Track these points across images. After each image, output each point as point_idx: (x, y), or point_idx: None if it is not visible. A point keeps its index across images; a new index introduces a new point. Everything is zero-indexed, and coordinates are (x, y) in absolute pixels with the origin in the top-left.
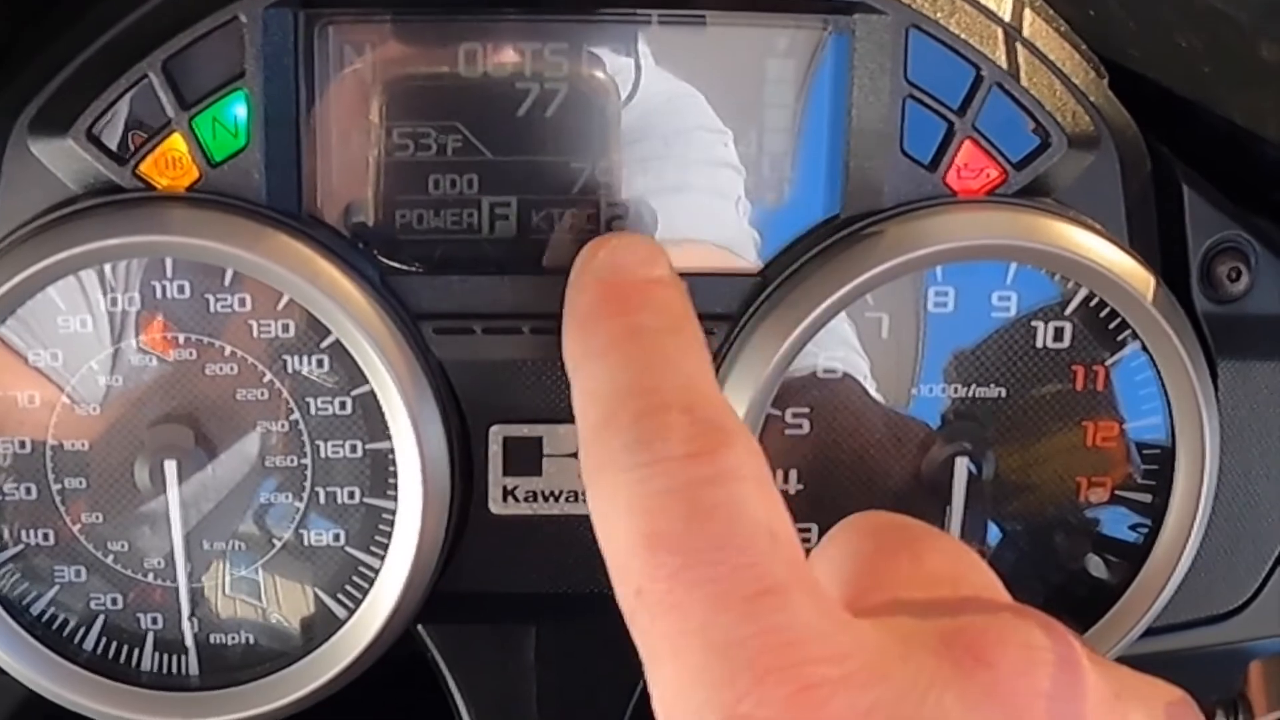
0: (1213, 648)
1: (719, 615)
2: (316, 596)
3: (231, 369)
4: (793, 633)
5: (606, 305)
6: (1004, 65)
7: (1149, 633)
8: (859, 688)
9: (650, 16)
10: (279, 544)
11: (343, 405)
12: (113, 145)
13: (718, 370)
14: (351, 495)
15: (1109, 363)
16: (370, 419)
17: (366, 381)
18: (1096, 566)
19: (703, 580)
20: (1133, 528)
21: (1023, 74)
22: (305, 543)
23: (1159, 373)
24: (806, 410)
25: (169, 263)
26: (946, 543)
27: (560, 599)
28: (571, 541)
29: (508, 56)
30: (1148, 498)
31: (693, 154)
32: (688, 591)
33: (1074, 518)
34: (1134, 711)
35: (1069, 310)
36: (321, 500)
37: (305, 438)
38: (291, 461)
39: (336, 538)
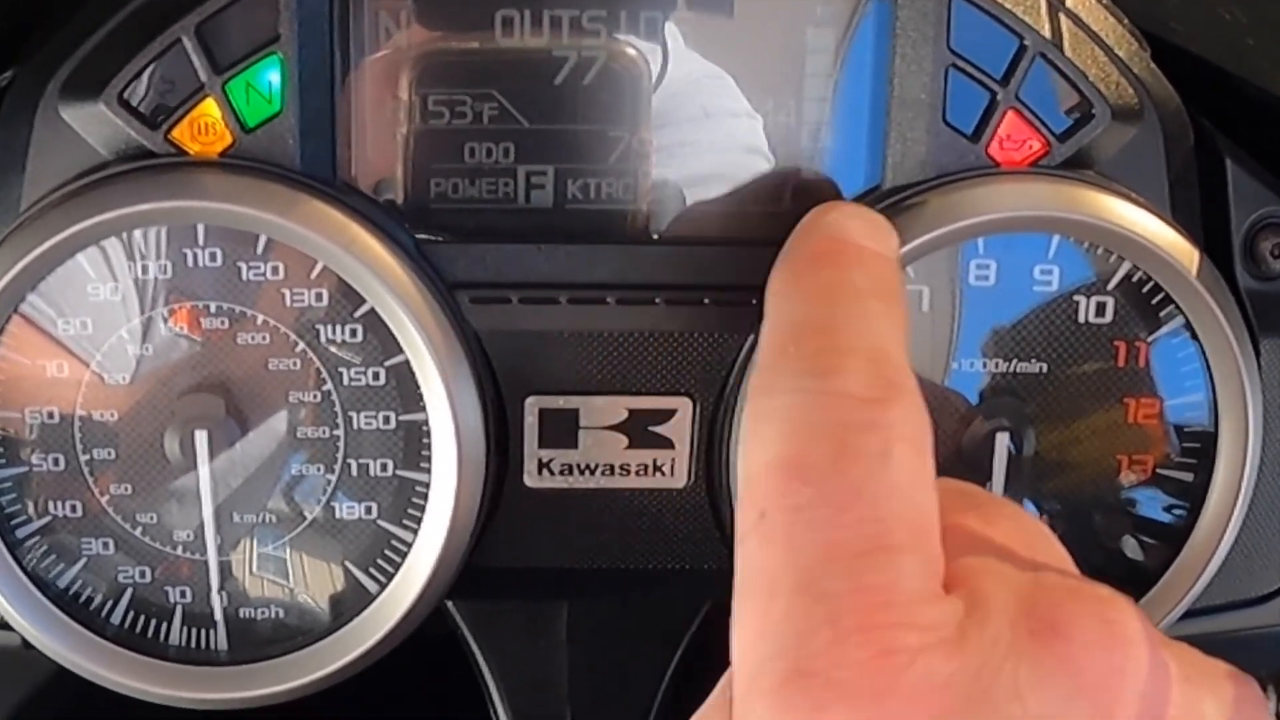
0: (1249, 631)
1: (825, 563)
2: (347, 571)
3: (263, 338)
4: (888, 594)
5: (826, 255)
6: (1048, 35)
7: (1186, 615)
8: (939, 659)
9: None
10: (309, 518)
11: (376, 376)
12: (145, 110)
13: (757, 341)
14: (384, 467)
15: (1151, 339)
16: (404, 390)
17: (401, 351)
18: (1133, 548)
19: (825, 522)
20: (1171, 509)
21: (1066, 45)
22: (336, 516)
23: (1202, 349)
24: None
25: (200, 230)
26: (1012, 509)
27: (593, 575)
28: (606, 516)
29: (544, 24)
30: (1188, 477)
31: (733, 134)
32: (807, 530)
33: (1113, 497)
34: (1205, 694)
35: (1111, 285)
36: (353, 472)
37: (338, 409)
38: (324, 433)
39: (368, 510)
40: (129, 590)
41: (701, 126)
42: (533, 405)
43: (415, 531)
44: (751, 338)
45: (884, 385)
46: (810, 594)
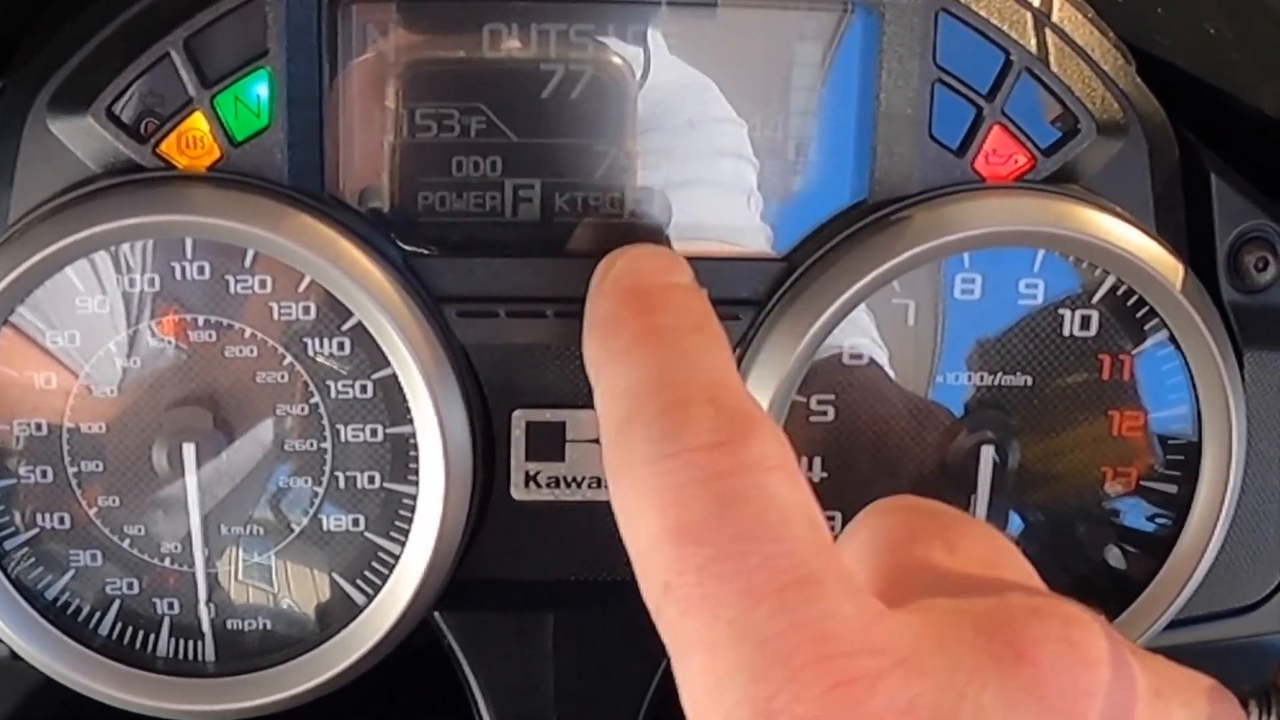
0: (1235, 641)
1: (752, 608)
2: (335, 582)
3: (251, 351)
4: (829, 624)
5: (628, 308)
6: (1033, 50)
7: (1171, 625)
8: (899, 682)
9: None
10: (296, 530)
11: (363, 389)
12: (133, 124)
13: (743, 356)
14: (371, 480)
15: (1135, 352)
16: (391, 403)
17: (388, 364)
18: (1117, 558)
19: (733, 572)
20: (1155, 519)
21: (1052, 59)
22: (324, 528)
23: (1186, 362)
24: (831, 397)
25: (188, 243)
26: (981, 529)
27: (579, 586)
28: (593, 528)
29: (532, 38)
30: (1172, 489)
31: (717, 143)
32: (719, 584)
33: (1097, 508)
34: (1176, 708)
35: (1096, 299)
36: (341, 485)
37: (325, 421)
38: (311, 445)
39: (356, 523)
40: (117, 601)
41: (687, 138)
42: (520, 418)
43: (402, 544)
44: (738, 351)
45: (733, 424)
46: (750, 640)
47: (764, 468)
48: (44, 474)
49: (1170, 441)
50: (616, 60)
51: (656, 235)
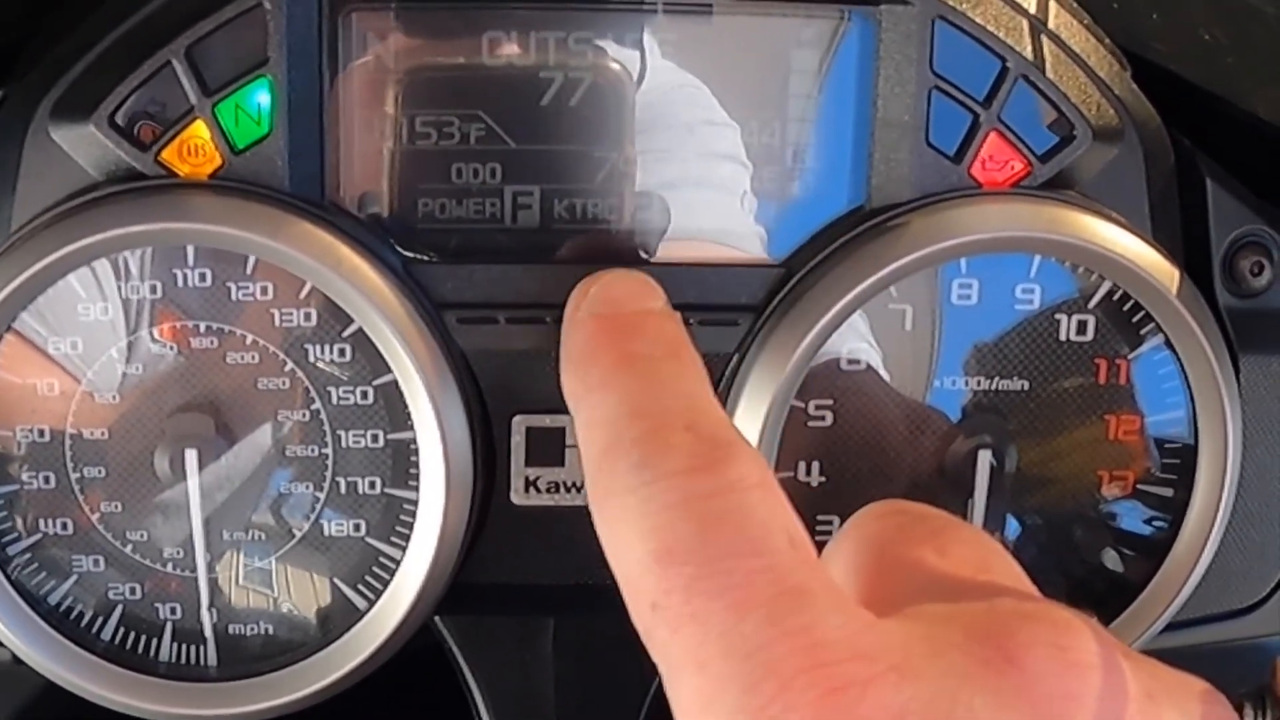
0: (1231, 643)
1: (740, 621)
2: (336, 587)
3: (252, 358)
4: (817, 633)
5: (602, 337)
6: (1029, 57)
7: (1169, 627)
8: (890, 688)
9: (674, 6)
10: (298, 535)
11: (364, 395)
12: (135, 132)
13: (740, 361)
14: (372, 485)
15: (1131, 356)
16: (392, 409)
17: (389, 371)
18: (1114, 561)
19: (719, 588)
20: (1152, 522)
21: (1048, 66)
22: (325, 533)
23: (1182, 366)
24: (829, 402)
25: (190, 250)
26: (971, 533)
27: (579, 591)
28: (592, 533)
29: (531, 45)
30: (1169, 492)
31: (712, 146)
32: (706, 601)
33: (1094, 512)
34: (1168, 710)
35: (1092, 303)
36: (342, 490)
37: (326, 427)
38: (312, 451)
39: (357, 528)
40: (119, 606)
41: (684, 142)
42: (520, 424)
43: (403, 549)
44: (736, 357)
45: (711, 448)
46: (740, 653)
47: (743, 487)
48: (46, 479)
49: (1167, 445)
50: (615, 67)
51: (655, 241)
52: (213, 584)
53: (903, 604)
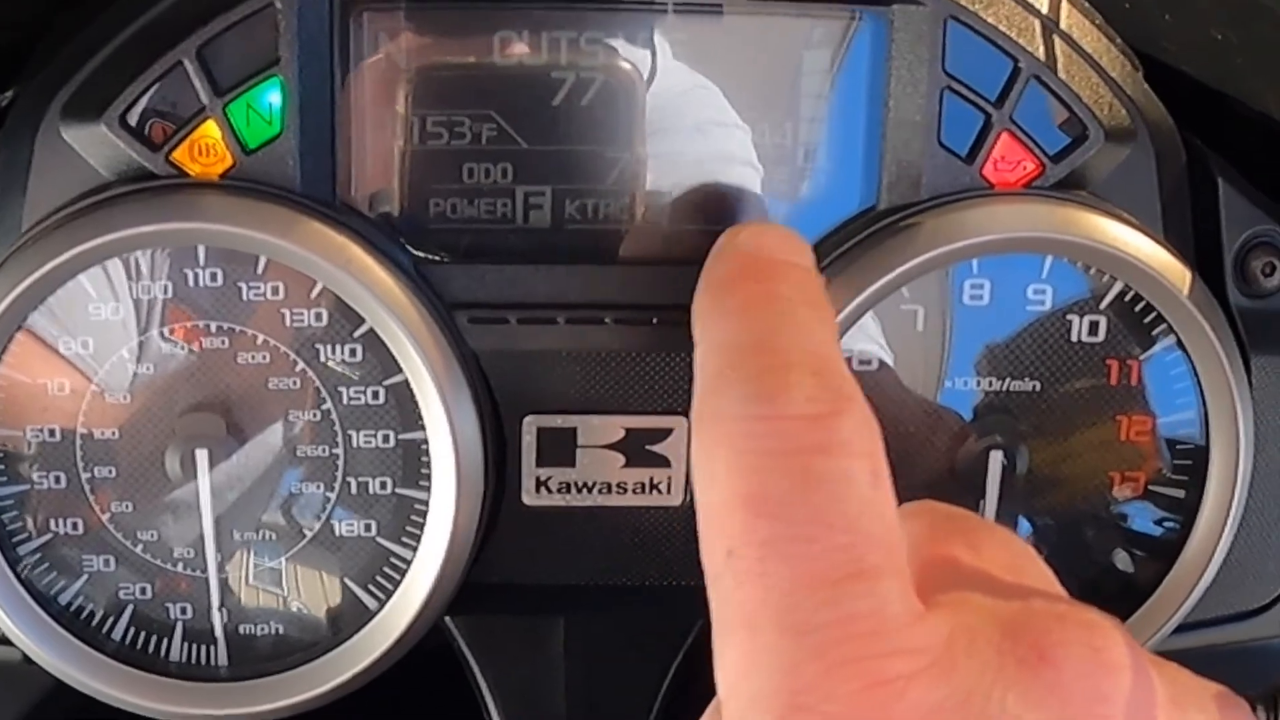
0: (1242, 644)
1: (804, 595)
2: (347, 587)
3: (263, 358)
4: (873, 622)
5: (747, 272)
6: (1042, 57)
7: (1180, 629)
8: (928, 685)
9: (685, 6)
10: (308, 535)
11: (375, 395)
12: (146, 132)
13: None
14: (383, 486)
15: (1143, 357)
16: (403, 409)
17: (400, 371)
18: (1125, 562)
19: (797, 555)
20: (1163, 523)
21: (1060, 66)
22: (335, 533)
23: (1193, 367)
24: None
25: (201, 250)
26: (1002, 533)
27: (590, 591)
28: (603, 534)
29: (543, 45)
30: (1180, 493)
31: (723, 147)
32: (780, 563)
33: (1105, 513)
34: (1193, 715)
35: (1104, 304)
36: (353, 490)
37: (337, 427)
38: (323, 451)
39: (368, 528)
40: (130, 606)
41: (695, 143)
42: (531, 424)
43: (414, 549)
44: None
45: (830, 396)
46: (794, 628)
47: (851, 452)
48: (57, 479)
49: (1178, 446)
50: (626, 67)
51: (666, 240)
52: (223, 584)
53: (938, 600)
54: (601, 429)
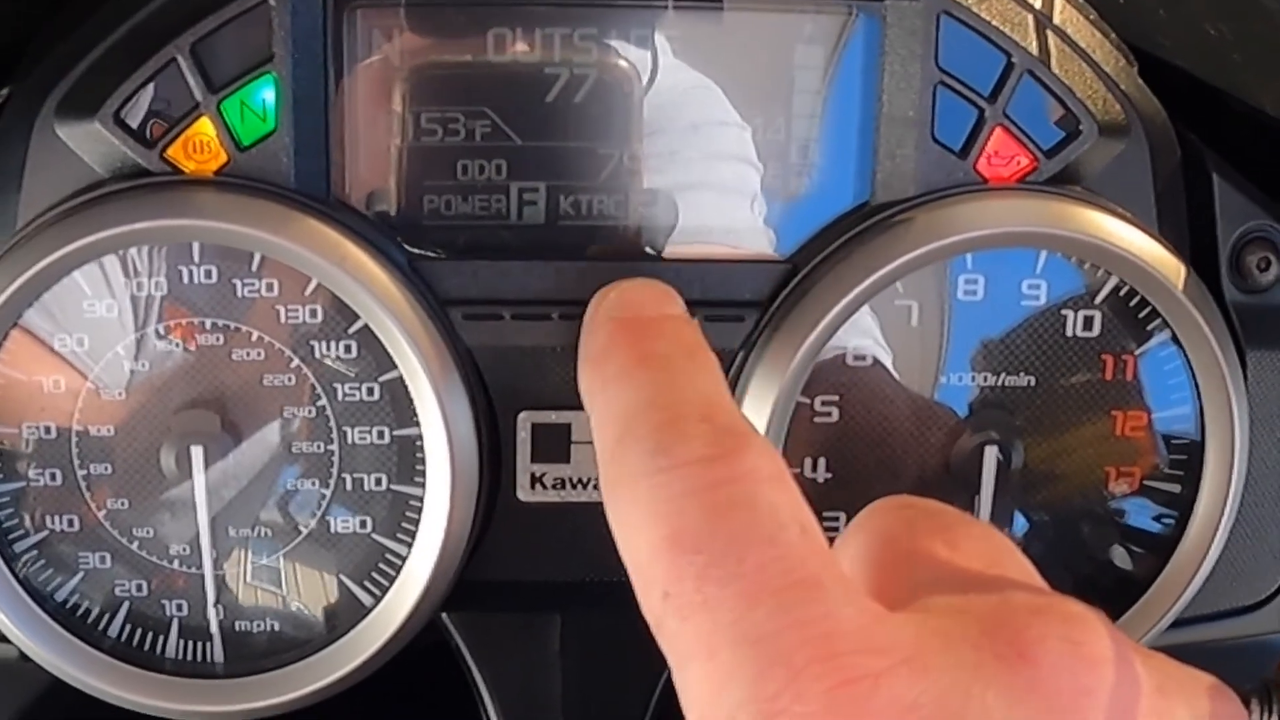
0: (1238, 639)
1: (751, 610)
2: (342, 584)
3: (258, 354)
4: (829, 624)
5: (621, 337)
6: (1035, 52)
7: (1175, 624)
8: (902, 682)
9: (681, 2)
10: (304, 531)
11: (370, 391)
12: (140, 129)
13: (747, 358)
14: (379, 482)
15: (1138, 352)
16: (398, 405)
17: (394, 367)
18: (1122, 558)
19: (730, 576)
20: (1159, 519)
21: (1054, 61)
22: (331, 530)
23: (1188, 362)
24: (835, 398)
25: (196, 247)
26: (981, 528)
27: (586, 587)
28: (599, 529)
29: (537, 42)
30: (1176, 488)
31: (718, 145)
32: (717, 588)
33: (1101, 508)
34: (1178, 706)
35: (1099, 299)
36: (348, 487)
37: (332, 423)
38: (318, 447)
39: (363, 524)
40: (126, 603)
41: (690, 141)
42: (525, 420)
43: (409, 545)
44: (743, 353)
45: (726, 438)
46: (749, 641)
47: (756, 478)
48: (53, 476)
49: (1173, 441)
50: (621, 64)
51: (660, 238)
52: (219, 581)
53: (913, 598)
54: None
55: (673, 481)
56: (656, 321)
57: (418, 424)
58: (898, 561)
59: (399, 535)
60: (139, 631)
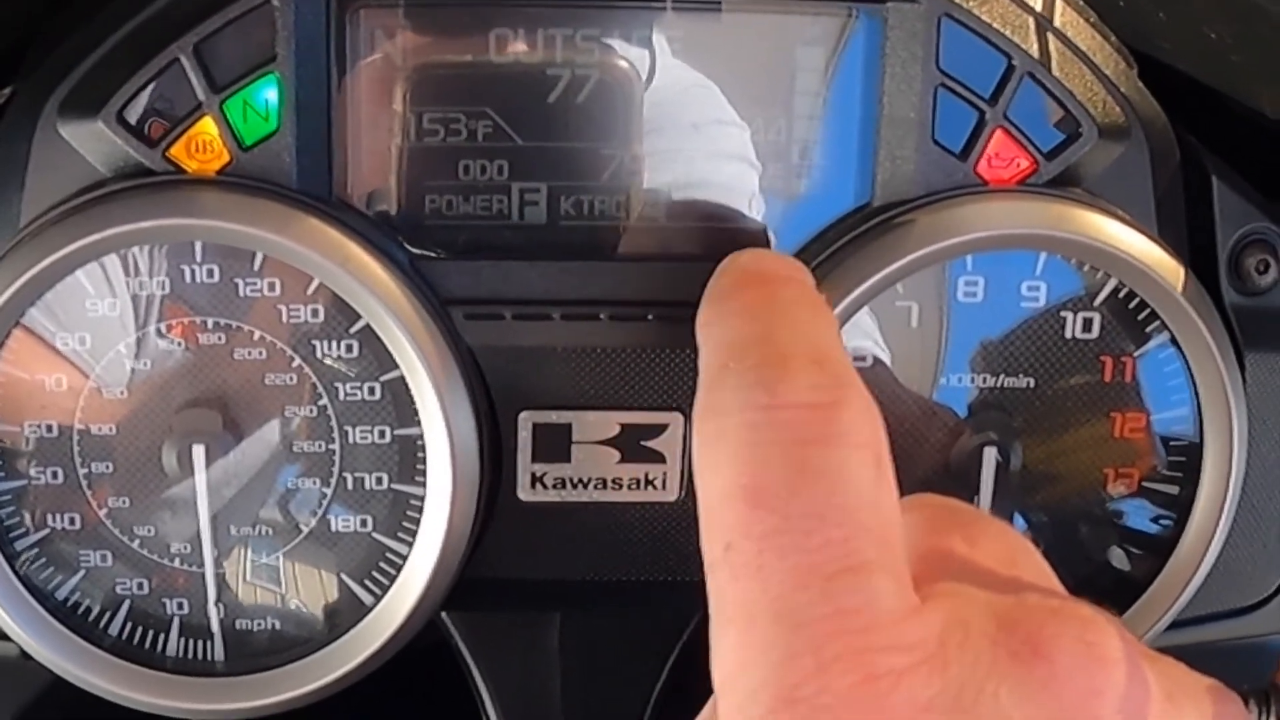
0: (1236, 641)
1: (797, 591)
2: (342, 583)
3: (260, 354)
4: (866, 616)
5: (747, 280)
6: (1035, 55)
7: (1174, 625)
8: (922, 679)
9: (682, 3)
10: (305, 530)
11: (371, 390)
12: (143, 128)
13: None
14: (379, 481)
15: (1137, 354)
16: (399, 404)
17: (396, 367)
18: (1120, 559)
19: (792, 548)
20: (1158, 520)
21: (1054, 64)
22: (332, 529)
23: (1187, 364)
24: None
25: (198, 246)
26: (999, 527)
27: (585, 587)
28: (599, 529)
29: (539, 42)
30: (1174, 490)
31: (719, 145)
32: (776, 559)
33: (1100, 509)
34: (1188, 710)
35: (1098, 301)
36: (349, 486)
37: (334, 423)
38: (319, 447)
39: (364, 523)
40: (126, 601)
41: (691, 141)
42: (526, 420)
43: (410, 544)
44: None
45: (831, 385)
46: (787, 622)
47: (851, 442)
48: (54, 475)
49: (1172, 443)
50: (622, 64)
51: (661, 238)
52: (220, 579)
53: (933, 593)
54: (597, 425)
55: (768, 424)
56: (786, 278)
57: (419, 423)
58: (918, 555)
59: (399, 534)
60: (140, 630)
